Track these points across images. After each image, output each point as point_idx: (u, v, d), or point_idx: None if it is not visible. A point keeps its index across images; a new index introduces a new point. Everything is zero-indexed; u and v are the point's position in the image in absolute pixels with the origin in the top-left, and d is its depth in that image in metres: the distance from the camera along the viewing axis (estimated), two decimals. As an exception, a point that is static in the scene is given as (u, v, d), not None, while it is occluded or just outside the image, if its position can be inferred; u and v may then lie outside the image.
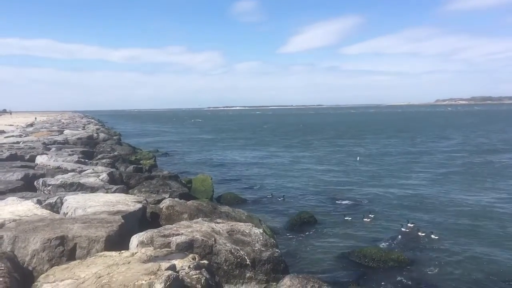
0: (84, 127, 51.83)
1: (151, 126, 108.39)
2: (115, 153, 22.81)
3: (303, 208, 17.36)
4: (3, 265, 5.07)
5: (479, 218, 15.73)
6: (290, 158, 35.73)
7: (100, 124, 73.90)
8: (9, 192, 10.66)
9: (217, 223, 8.17)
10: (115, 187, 11.75)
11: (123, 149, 27.50)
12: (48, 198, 9.81)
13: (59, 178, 12.04)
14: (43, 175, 13.19)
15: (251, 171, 28.48)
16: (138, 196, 11.00)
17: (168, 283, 4.54)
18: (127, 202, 9.10)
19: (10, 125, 57.21)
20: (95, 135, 36.21)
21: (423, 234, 13.69)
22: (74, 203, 8.79)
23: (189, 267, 5.36)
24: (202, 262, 5.76)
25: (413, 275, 10.65)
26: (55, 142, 24.70)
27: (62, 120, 75.14)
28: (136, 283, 4.52)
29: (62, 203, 9.13)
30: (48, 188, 11.48)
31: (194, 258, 5.69)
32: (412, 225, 14.49)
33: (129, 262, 5.31)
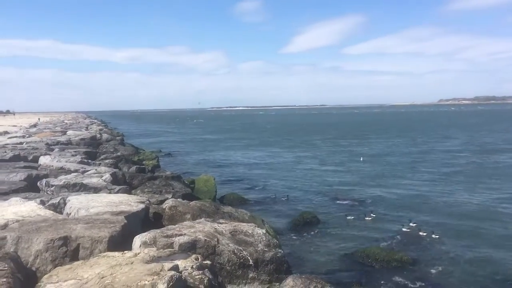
0: (87, 127, 51.98)
1: (154, 126, 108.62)
2: (118, 154, 22.85)
3: (306, 208, 17.35)
4: (6, 265, 5.07)
5: (482, 218, 15.66)
6: (293, 158, 35.70)
7: (103, 124, 74.06)
8: (13, 192, 10.71)
9: (220, 223, 8.15)
10: (118, 187, 11.76)
11: (126, 150, 27.59)
12: (51, 198, 9.84)
13: (62, 179, 12.06)
14: (46, 176, 13.23)
15: (254, 172, 28.47)
16: (141, 196, 11.00)
17: (171, 283, 4.54)
18: (130, 202, 9.11)
19: (14, 125, 57.51)
20: (98, 135, 36.32)
21: (426, 234, 13.65)
22: (77, 203, 8.81)
23: (192, 267, 5.36)
24: (205, 262, 5.75)
25: (416, 275, 10.62)
26: (58, 143, 24.79)
27: (65, 121, 75.44)
28: (139, 284, 4.52)
29: (65, 204, 9.15)
30: (51, 188, 11.51)
31: (197, 259, 5.68)
32: (415, 225, 14.46)
33: (132, 263, 5.31)
